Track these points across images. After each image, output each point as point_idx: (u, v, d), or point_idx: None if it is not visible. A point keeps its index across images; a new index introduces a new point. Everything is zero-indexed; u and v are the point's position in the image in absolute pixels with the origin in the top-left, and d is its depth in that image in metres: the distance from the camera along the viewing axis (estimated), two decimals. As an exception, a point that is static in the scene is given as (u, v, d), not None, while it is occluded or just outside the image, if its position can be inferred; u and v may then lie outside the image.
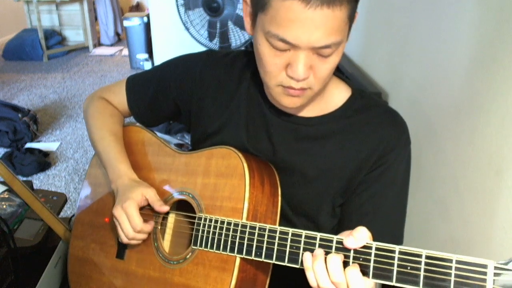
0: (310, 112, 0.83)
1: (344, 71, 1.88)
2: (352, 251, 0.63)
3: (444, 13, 1.21)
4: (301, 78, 0.69)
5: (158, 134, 1.02)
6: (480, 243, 1.01)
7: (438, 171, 1.23)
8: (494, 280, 0.53)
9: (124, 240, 0.86)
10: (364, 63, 1.93)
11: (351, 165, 0.81)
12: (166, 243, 0.91)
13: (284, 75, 0.71)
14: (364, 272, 0.62)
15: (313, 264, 0.63)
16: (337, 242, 0.65)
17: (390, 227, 0.82)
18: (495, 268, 0.54)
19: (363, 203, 0.82)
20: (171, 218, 0.93)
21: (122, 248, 0.94)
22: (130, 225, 0.84)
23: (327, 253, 0.64)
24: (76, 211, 1.08)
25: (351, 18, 0.68)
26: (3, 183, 1.41)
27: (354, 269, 0.61)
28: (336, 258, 0.62)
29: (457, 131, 1.12)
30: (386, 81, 1.66)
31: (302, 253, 0.68)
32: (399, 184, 0.83)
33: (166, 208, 0.87)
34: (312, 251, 0.66)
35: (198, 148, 0.89)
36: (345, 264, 0.63)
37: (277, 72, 0.72)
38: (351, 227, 0.65)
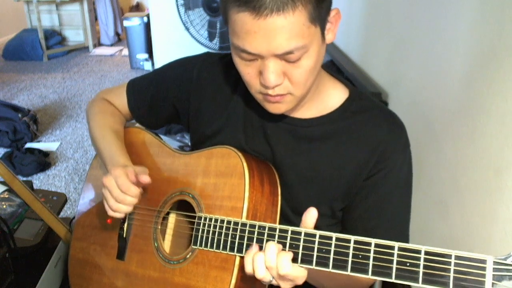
0: (306, 113, 0.83)
1: (344, 71, 1.88)
2: (351, 248, 0.63)
3: (444, 13, 1.21)
4: (272, 85, 0.70)
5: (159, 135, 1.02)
6: (480, 243, 1.01)
7: (438, 171, 1.23)
8: (493, 275, 0.53)
9: (114, 205, 0.84)
10: (364, 63, 1.93)
11: (349, 168, 0.81)
12: (166, 243, 0.91)
13: (259, 83, 0.73)
14: (363, 269, 0.62)
15: (253, 255, 0.68)
16: (337, 239, 0.65)
17: (395, 231, 0.82)
18: (494, 263, 0.54)
19: (367, 209, 0.82)
20: (172, 218, 0.93)
21: (122, 249, 0.94)
22: (117, 187, 0.83)
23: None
24: (76, 212, 1.08)
25: (318, 18, 0.67)
26: (3, 183, 1.41)
27: (285, 254, 0.66)
28: (272, 246, 0.67)
29: (457, 131, 1.12)
30: (386, 81, 1.66)
31: (302, 252, 0.68)
32: (402, 187, 0.83)
33: (147, 179, 0.85)
34: (312, 249, 0.67)
35: (198, 149, 0.89)
36: (344, 261, 0.63)
37: (253, 81, 0.73)
38: (357, 233, 0.66)
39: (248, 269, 0.69)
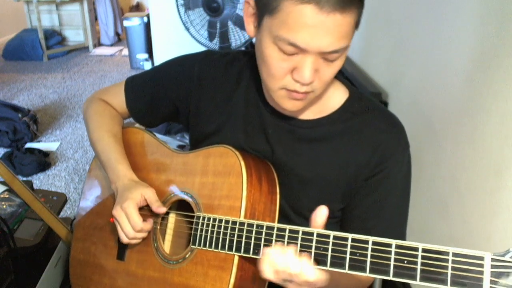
0: (307, 114, 0.83)
1: (344, 71, 1.88)
2: (349, 246, 0.63)
3: (444, 13, 1.21)
4: (308, 82, 0.69)
5: (157, 135, 1.02)
6: (480, 243, 1.01)
7: (438, 171, 1.23)
8: (491, 272, 0.53)
9: (125, 240, 0.86)
10: (364, 63, 1.93)
11: (349, 169, 0.81)
12: (167, 244, 0.91)
13: (289, 78, 0.71)
14: (361, 267, 0.62)
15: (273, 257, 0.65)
16: (334, 237, 0.65)
17: (393, 230, 0.82)
18: (493, 260, 0.54)
19: (366, 209, 0.82)
20: (171, 218, 0.93)
21: (122, 249, 0.94)
22: (130, 225, 0.84)
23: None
24: (77, 213, 1.08)
25: (357, 23, 0.69)
26: (3, 183, 1.41)
27: (304, 258, 0.64)
28: (291, 251, 0.65)
29: (457, 131, 1.12)
30: (386, 81, 1.66)
31: (299, 250, 0.68)
32: (400, 188, 0.83)
33: (163, 209, 0.87)
34: (310, 247, 0.67)
35: (197, 148, 0.89)
36: (342, 259, 0.63)
37: (282, 76, 0.71)
38: (355, 232, 0.66)
39: (269, 275, 0.66)
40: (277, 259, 0.65)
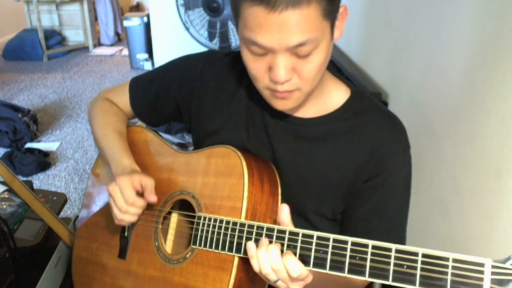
0: (308, 113, 0.83)
1: (344, 71, 1.88)
2: (349, 250, 0.63)
3: (444, 13, 1.21)
4: (282, 80, 0.70)
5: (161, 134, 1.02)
6: (480, 244, 1.01)
7: (438, 171, 1.23)
8: (491, 279, 0.53)
9: (118, 215, 0.85)
10: (364, 63, 1.93)
11: (349, 169, 0.81)
12: (168, 243, 0.91)
13: (268, 78, 0.72)
14: (360, 271, 0.62)
15: (257, 252, 0.68)
16: (334, 241, 0.65)
17: (394, 232, 0.82)
18: (493, 267, 0.53)
19: (367, 211, 0.82)
20: (173, 218, 0.93)
21: (124, 248, 0.95)
22: (123, 198, 0.84)
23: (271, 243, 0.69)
24: (80, 212, 1.08)
25: (329, 13, 0.67)
26: (3, 183, 1.41)
27: (289, 255, 0.66)
28: (274, 248, 0.67)
29: (457, 131, 1.12)
30: (386, 81, 1.66)
31: (299, 253, 0.68)
32: (402, 189, 0.83)
33: (154, 198, 0.86)
34: (309, 250, 0.67)
35: (199, 148, 0.89)
36: (341, 263, 0.63)
37: (261, 76, 0.73)
38: (357, 234, 0.66)
39: (256, 268, 0.69)
40: (261, 255, 0.68)
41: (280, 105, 0.76)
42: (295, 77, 0.71)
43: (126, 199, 0.83)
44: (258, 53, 0.69)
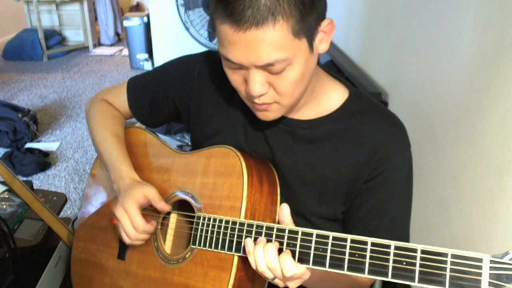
0: (306, 114, 0.83)
1: (344, 71, 1.88)
2: (348, 247, 0.64)
3: (444, 13, 1.21)
4: (256, 95, 0.70)
5: (159, 135, 1.02)
6: (480, 243, 1.01)
7: (438, 171, 1.23)
8: (490, 274, 0.53)
9: (127, 241, 0.86)
10: (364, 63, 1.93)
11: (348, 169, 0.81)
12: (168, 243, 0.91)
13: (245, 91, 0.73)
14: (359, 268, 0.62)
15: (254, 250, 0.70)
16: (333, 238, 0.66)
17: (397, 231, 0.82)
18: (491, 262, 0.54)
19: (368, 211, 0.82)
20: (172, 218, 0.93)
21: (123, 249, 0.94)
22: (132, 226, 0.84)
23: (268, 241, 0.71)
24: (79, 213, 1.08)
25: (302, 31, 0.66)
26: (3, 183, 1.41)
27: (286, 255, 0.67)
28: (271, 247, 0.68)
29: (457, 131, 1.12)
30: (386, 81, 1.66)
31: (299, 251, 0.68)
32: (403, 188, 0.83)
33: (167, 207, 0.86)
34: (309, 248, 0.67)
35: (198, 149, 0.89)
36: (340, 260, 0.63)
37: (240, 88, 0.74)
38: (358, 234, 0.66)
39: (252, 264, 0.70)
40: (257, 252, 0.69)
41: (262, 116, 0.77)
42: (271, 91, 0.72)
43: (136, 228, 0.84)
44: (232, 67, 0.71)
